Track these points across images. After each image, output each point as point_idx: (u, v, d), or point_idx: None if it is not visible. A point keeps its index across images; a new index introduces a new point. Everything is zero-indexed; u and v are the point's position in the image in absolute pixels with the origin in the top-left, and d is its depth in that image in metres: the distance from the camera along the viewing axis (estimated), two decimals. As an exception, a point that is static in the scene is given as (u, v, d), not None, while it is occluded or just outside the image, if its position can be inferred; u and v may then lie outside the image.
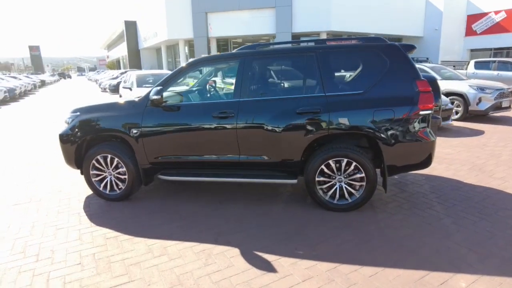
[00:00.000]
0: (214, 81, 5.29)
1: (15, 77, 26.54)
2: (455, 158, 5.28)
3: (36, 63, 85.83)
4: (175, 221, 3.37)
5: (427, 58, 17.72)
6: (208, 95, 4.35)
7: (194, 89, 4.52)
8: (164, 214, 3.53)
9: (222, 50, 24.36)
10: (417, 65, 9.92)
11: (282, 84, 3.60)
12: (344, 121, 3.22)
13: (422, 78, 3.21)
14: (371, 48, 3.33)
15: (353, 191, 3.39)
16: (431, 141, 3.24)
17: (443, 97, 7.76)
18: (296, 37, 20.54)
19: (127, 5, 37.85)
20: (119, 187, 3.86)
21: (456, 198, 3.75)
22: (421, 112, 3.16)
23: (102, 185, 3.90)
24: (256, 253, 2.76)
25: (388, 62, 3.23)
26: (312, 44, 3.53)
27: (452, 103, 8.87)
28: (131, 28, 34.01)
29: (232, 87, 3.70)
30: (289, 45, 3.63)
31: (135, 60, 35.28)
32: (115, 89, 23.44)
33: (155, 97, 3.46)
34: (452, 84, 9.02)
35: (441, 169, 4.78)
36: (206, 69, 4.34)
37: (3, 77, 23.10)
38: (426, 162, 3.33)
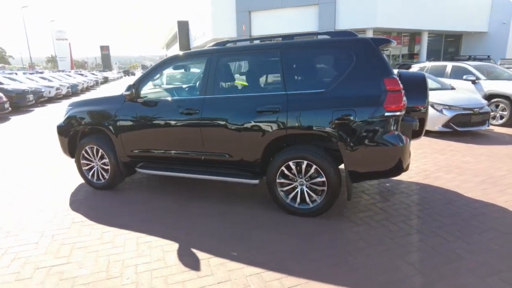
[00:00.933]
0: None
1: (81, 74, 29.63)
2: (470, 168, 4.67)
3: (106, 61, 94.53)
4: (141, 213, 3.51)
5: (488, 56, 15.75)
6: (187, 91, 4.42)
7: (184, 86, 4.63)
8: (134, 205, 3.70)
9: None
10: (458, 64, 8.95)
11: (247, 82, 3.53)
12: (301, 121, 3.05)
13: (392, 76, 2.91)
14: (337, 43, 3.11)
15: (314, 196, 3.21)
16: (399, 147, 2.92)
17: (479, 99, 6.92)
18: (339, 35, 19.89)
19: (180, 5, 39.85)
20: (104, 176, 4.14)
21: (442, 213, 3.32)
22: (387, 114, 2.86)
23: (91, 173, 4.21)
24: (192, 250, 2.77)
25: (355, 58, 2.99)
26: (279, 40, 3.41)
27: (497, 106, 7.85)
28: (183, 28, 35.76)
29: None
30: (257, 42, 3.54)
31: (187, 59, 36.82)
32: (162, 86, 25.05)
33: (126, 93, 3.65)
34: (498, 84, 7.95)
35: (447, 178, 4.27)
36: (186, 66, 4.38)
37: (70, 74, 25.94)
38: (395, 170, 3.01)
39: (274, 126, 3.14)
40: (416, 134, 3.50)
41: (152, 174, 3.95)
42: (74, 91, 20.35)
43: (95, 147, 4.04)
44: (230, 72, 3.56)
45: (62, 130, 4.22)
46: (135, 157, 3.91)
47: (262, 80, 3.33)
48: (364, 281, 2.32)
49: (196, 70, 6.69)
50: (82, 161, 4.18)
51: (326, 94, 3.01)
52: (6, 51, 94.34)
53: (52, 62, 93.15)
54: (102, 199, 3.90)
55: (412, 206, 3.52)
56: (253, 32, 21.54)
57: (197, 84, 4.72)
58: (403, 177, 4.37)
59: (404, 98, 2.93)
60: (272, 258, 2.61)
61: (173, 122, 3.57)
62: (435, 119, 6.58)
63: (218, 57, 3.44)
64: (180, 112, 3.50)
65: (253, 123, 3.21)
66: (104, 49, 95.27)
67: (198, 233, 3.05)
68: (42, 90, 15.42)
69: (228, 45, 3.57)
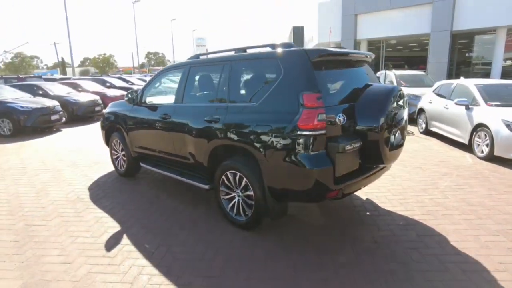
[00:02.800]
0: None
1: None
2: (493, 206, 3.55)
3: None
4: (122, 198, 4.20)
5: None
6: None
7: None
8: (125, 192, 4.42)
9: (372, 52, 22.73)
10: None
11: (205, 92, 3.72)
12: (232, 133, 3.11)
13: (313, 91, 2.65)
14: (269, 56, 3.04)
15: (247, 209, 3.20)
16: (312, 170, 2.63)
17: None
18: (458, 36, 16.49)
19: (297, 10, 40.82)
20: (124, 166, 5.05)
21: (389, 255, 2.78)
22: (299, 132, 2.64)
23: (117, 162, 5.20)
24: (123, 235, 3.23)
25: (282, 71, 2.86)
26: (232, 53, 3.49)
27: None
28: (298, 33, 36.62)
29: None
30: (218, 55, 3.69)
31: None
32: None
33: (125, 98, 4.40)
34: None
35: (453, 219, 3.40)
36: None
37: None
38: (314, 194, 2.74)
39: (214, 136, 3.29)
40: (372, 160, 3.01)
41: (148, 168, 4.60)
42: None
43: (118, 141, 4.98)
44: (193, 83, 3.84)
45: (101, 125, 5.35)
46: (138, 153, 4.65)
47: (215, 91, 3.49)
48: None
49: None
50: (112, 151, 5.21)
51: (255, 108, 2.98)
52: (165, 56, 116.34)
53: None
54: (113, 183, 4.80)
55: (364, 242, 3.04)
56: (359, 36, 20.43)
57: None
58: (398, 208, 3.73)
59: (322, 117, 2.63)
60: (167, 259, 2.82)
61: (156, 125, 4.11)
62: (509, 143, 5.12)
63: (187, 69, 3.80)
64: (160, 117, 4.01)
65: (201, 131, 3.44)
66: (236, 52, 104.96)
67: (143, 223, 3.49)
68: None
69: (201, 57, 3.88)
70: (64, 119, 9.83)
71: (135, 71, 65.83)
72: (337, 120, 2.77)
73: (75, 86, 13.01)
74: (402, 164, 5.42)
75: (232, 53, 3.53)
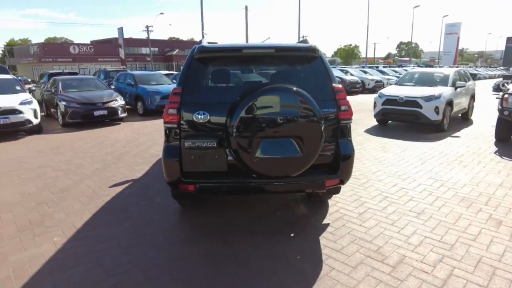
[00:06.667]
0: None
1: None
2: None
3: (509, 55, 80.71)
4: (148, 166, 5.44)
5: None
6: None
7: None
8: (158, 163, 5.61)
9: None
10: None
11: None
12: None
13: (177, 87, 2.95)
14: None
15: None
16: (166, 160, 2.99)
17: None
18: None
19: None
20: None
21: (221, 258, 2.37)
22: (164, 123, 3.02)
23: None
24: (102, 184, 4.47)
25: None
26: None
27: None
28: None
29: None
30: None
31: None
32: (497, 89, 19.39)
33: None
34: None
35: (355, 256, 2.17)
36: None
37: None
38: (168, 181, 3.06)
39: None
40: (241, 165, 2.75)
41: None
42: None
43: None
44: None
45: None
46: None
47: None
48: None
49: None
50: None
51: None
52: (419, 46, 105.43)
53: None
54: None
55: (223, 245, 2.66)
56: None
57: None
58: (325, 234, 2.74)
59: (171, 111, 2.83)
60: (99, 208, 3.79)
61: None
62: None
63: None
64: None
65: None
66: (511, 41, 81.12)
67: (127, 186, 4.51)
68: (359, 81, 18.81)
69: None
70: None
71: (379, 61, 65.11)
72: (194, 117, 2.73)
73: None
74: (452, 204, 3.39)
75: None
